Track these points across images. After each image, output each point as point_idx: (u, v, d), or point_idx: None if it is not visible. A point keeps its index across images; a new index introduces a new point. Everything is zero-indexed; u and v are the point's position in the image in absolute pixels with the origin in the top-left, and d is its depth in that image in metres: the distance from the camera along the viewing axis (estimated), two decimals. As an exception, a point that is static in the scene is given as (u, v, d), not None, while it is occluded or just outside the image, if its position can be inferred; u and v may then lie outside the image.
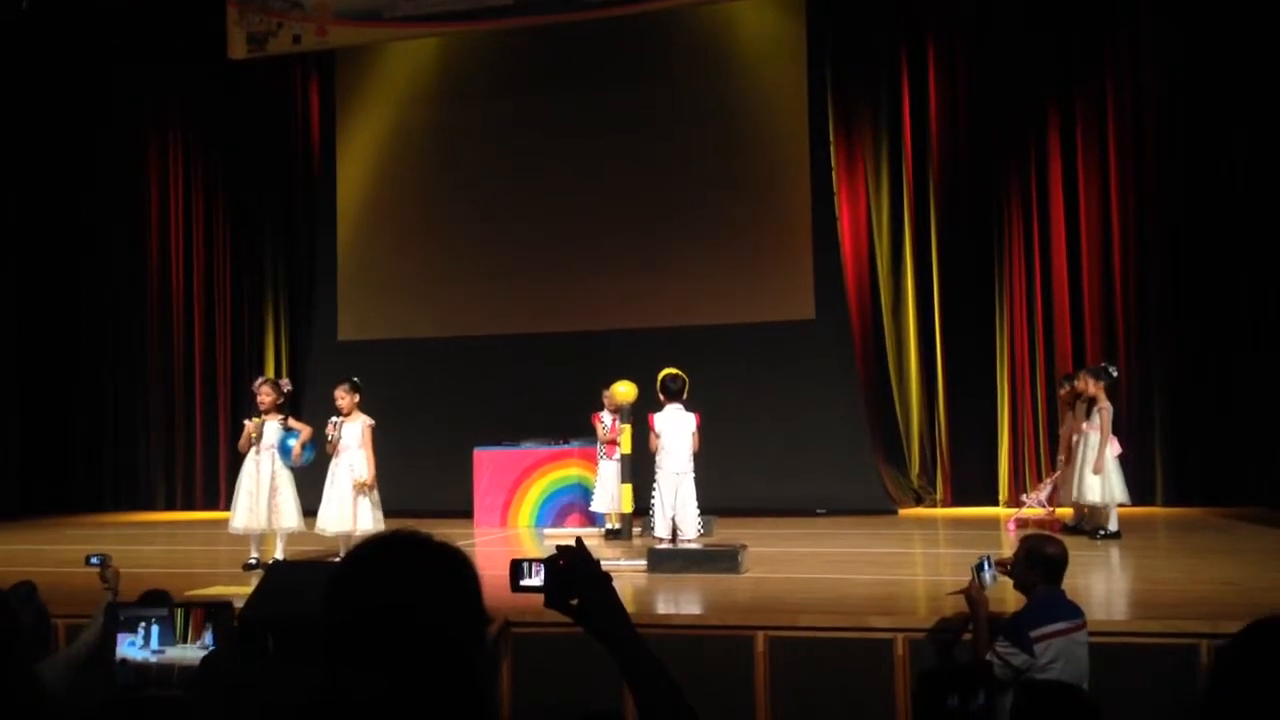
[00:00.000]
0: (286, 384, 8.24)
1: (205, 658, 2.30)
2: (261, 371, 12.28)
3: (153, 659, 2.50)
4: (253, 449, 7.81)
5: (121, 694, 2.48)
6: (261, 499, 7.70)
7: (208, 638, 2.47)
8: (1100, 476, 8.11)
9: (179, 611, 2.51)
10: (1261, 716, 1.43)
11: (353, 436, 7.81)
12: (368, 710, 1.45)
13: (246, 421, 7.94)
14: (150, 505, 13.20)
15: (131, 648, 2.52)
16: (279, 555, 7.68)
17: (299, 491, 7.90)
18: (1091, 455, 8.18)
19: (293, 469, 7.88)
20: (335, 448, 7.79)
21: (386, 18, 11.06)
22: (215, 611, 2.51)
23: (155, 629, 2.52)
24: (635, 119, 11.79)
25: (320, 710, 1.47)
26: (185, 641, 2.49)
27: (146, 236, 13.51)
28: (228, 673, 2.13)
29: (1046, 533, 5.20)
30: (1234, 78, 10.29)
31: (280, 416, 7.93)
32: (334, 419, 7.85)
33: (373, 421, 7.90)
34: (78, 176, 13.53)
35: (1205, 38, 10.44)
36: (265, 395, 7.87)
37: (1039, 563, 4.35)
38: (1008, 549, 5.26)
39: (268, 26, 11.24)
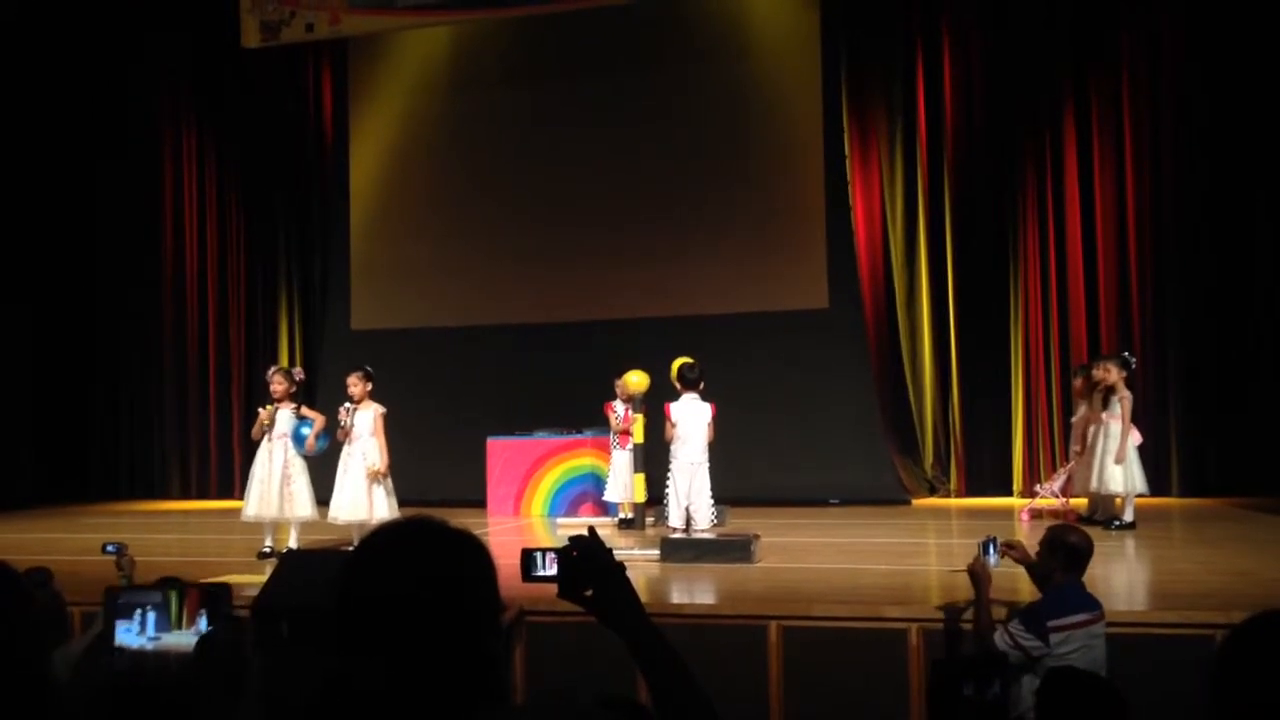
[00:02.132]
0: (299, 373, 8.26)
1: (200, 639, 2.30)
2: (275, 360, 12.32)
3: (149, 646, 2.51)
4: (265, 437, 7.84)
5: (121, 678, 2.49)
6: (274, 487, 7.73)
7: (202, 623, 2.46)
8: (1122, 466, 8.08)
9: (172, 596, 2.50)
10: (1264, 710, 1.42)
11: (365, 424, 7.82)
12: (378, 698, 1.45)
13: (260, 410, 7.97)
14: (165, 494, 13.26)
15: (128, 634, 2.52)
16: (293, 544, 7.71)
17: (313, 480, 7.93)
18: (1113, 445, 8.13)
19: (306, 458, 7.90)
20: (348, 434, 7.81)
21: (399, 6, 11.06)
22: (211, 595, 2.51)
23: (151, 615, 2.52)
24: (648, 107, 11.75)
25: (326, 698, 1.47)
26: (180, 627, 2.49)
27: (160, 226, 13.55)
28: (224, 657, 2.13)
29: (1074, 524, 5.18)
30: (1251, 64, 10.20)
31: (293, 405, 7.95)
32: (346, 405, 7.87)
33: (385, 410, 7.91)
34: (91, 166, 13.56)
35: (1222, 23, 10.34)
36: (278, 384, 7.89)
37: (1059, 550, 4.32)
38: (1021, 538, 5.24)
39: (281, 15, 11.25)
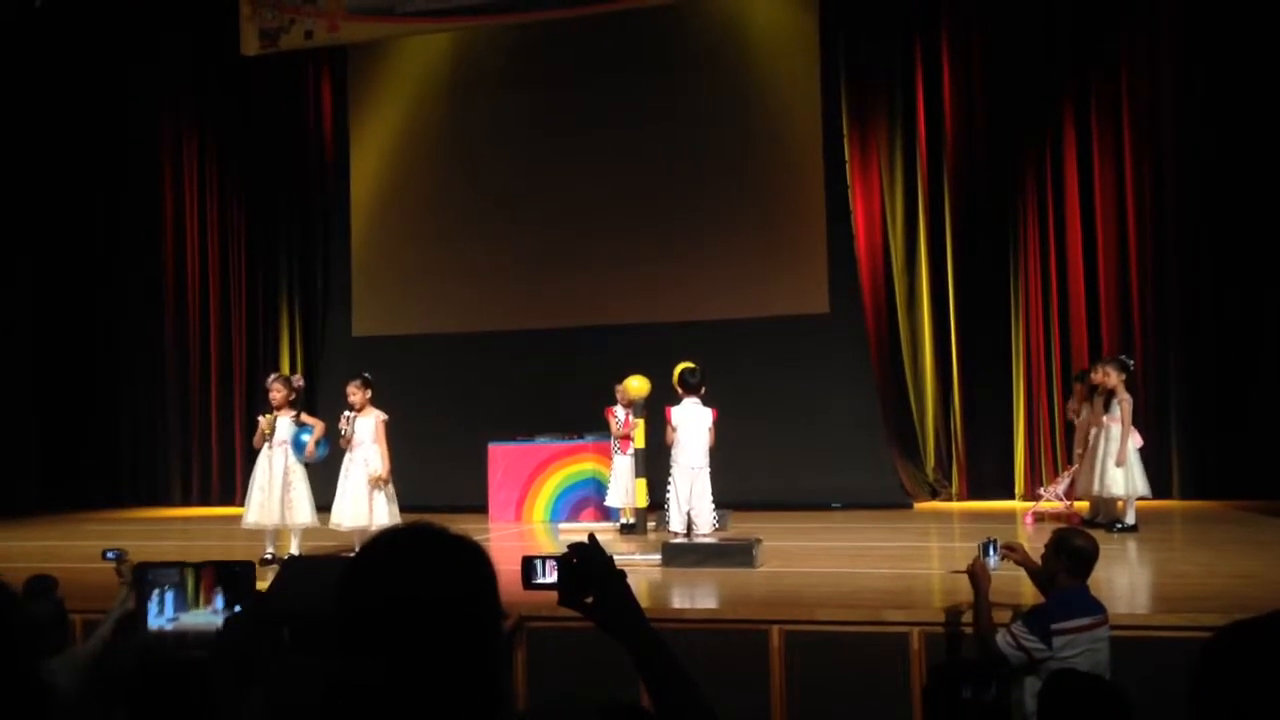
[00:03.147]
0: (299, 380, 8.27)
1: (226, 620, 2.31)
2: (277, 367, 12.34)
3: (168, 626, 2.53)
4: (266, 445, 7.84)
5: (145, 658, 2.51)
6: (274, 494, 7.73)
7: (219, 602, 2.47)
8: (1124, 469, 8.08)
9: (189, 575, 2.52)
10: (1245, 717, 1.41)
11: (366, 431, 7.83)
12: (379, 705, 1.45)
13: (260, 417, 7.98)
14: (167, 501, 13.27)
15: (148, 614, 2.54)
16: (294, 550, 7.71)
17: (314, 486, 7.93)
18: (1113, 448, 8.13)
19: (306, 465, 7.91)
20: (349, 442, 7.81)
21: (398, 13, 11.07)
22: (234, 574, 2.50)
23: (170, 595, 2.54)
24: (648, 113, 11.77)
25: (328, 704, 1.47)
26: (198, 606, 2.50)
27: (161, 232, 13.57)
28: (243, 639, 2.14)
29: (1077, 527, 5.19)
30: (1252, 70, 10.21)
31: (293, 413, 7.96)
32: (347, 413, 7.88)
33: (386, 416, 7.92)
34: (92, 173, 13.59)
35: (1223, 29, 10.35)
36: (277, 392, 7.89)
37: (1065, 553, 4.31)
38: (1024, 541, 5.24)
39: (280, 22, 11.26)
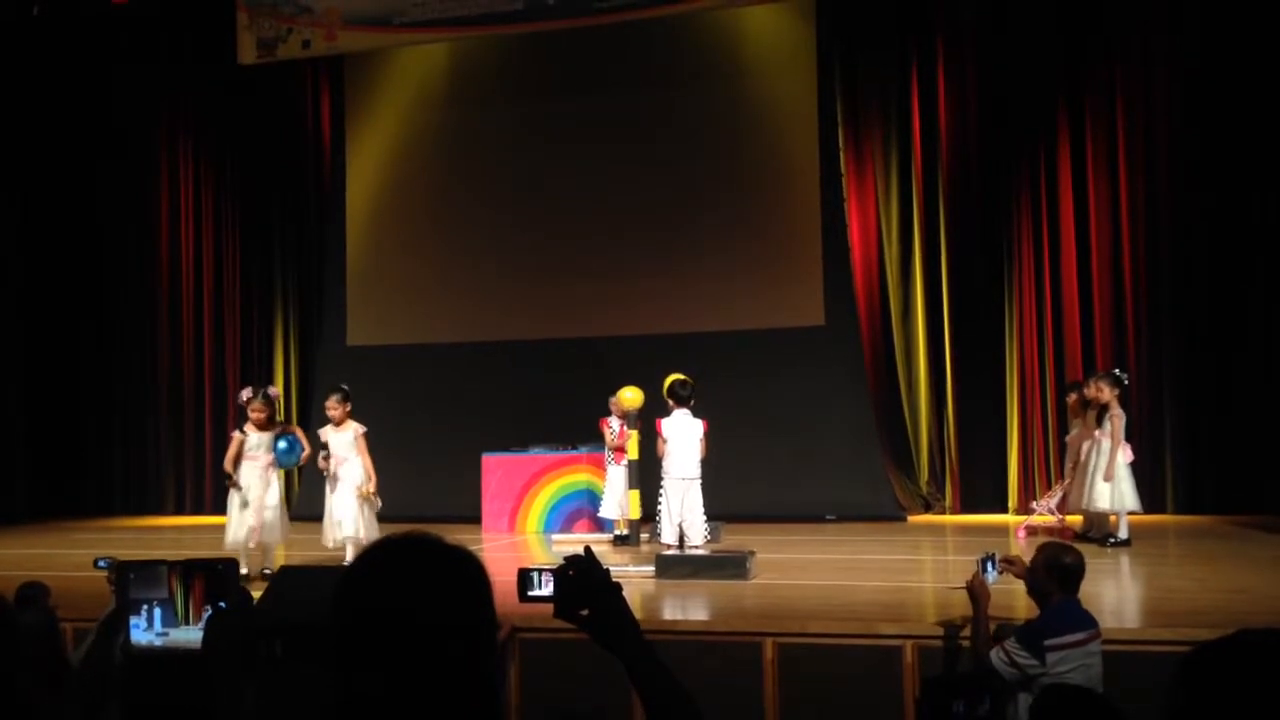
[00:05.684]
0: (275, 391, 8.24)
1: (213, 613, 2.30)
2: (270, 377, 12.31)
3: (157, 642, 2.51)
4: (245, 460, 7.78)
5: (133, 657, 2.49)
6: (260, 509, 7.68)
7: (209, 615, 2.47)
8: (1111, 484, 8.07)
9: (178, 591, 2.50)
10: None
11: (347, 446, 7.78)
12: (375, 714, 1.44)
13: (235, 433, 7.94)
14: (159, 509, 13.21)
15: (135, 630, 2.52)
16: (281, 564, 7.68)
17: (303, 499, 7.90)
18: (1103, 462, 8.13)
19: (296, 471, 7.88)
20: (334, 475, 7.78)
21: (396, 23, 11.07)
22: (218, 573, 2.48)
23: (158, 611, 2.52)
24: (644, 124, 11.79)
25: (328, 712, 1.47)
26: (188, 623, 2.49)
27: (156, 240, 13.55)
28: (236, 629, 2.13)
29: (1065, 542, 5.19)
30: (1246, 81, 10.25)
31: (276, 427, 7.91)
32: (323, 452, 7.82)
33: (364, 428, 7.87)
34: (87, 180, 13.57)
35: (1217, 40, 10.39)
36: (259, 411, 7.80)
37: (1056, 571, 4.33)
38: (1018, 555, 5.24)
39: (277, 32, 11.27)
